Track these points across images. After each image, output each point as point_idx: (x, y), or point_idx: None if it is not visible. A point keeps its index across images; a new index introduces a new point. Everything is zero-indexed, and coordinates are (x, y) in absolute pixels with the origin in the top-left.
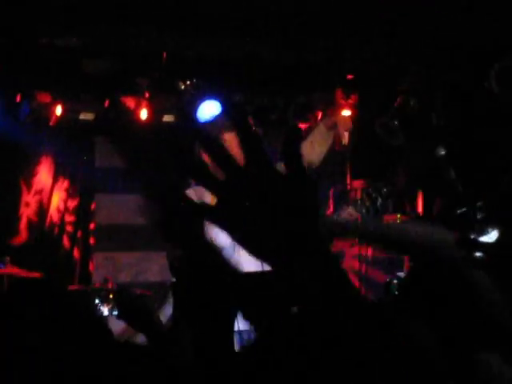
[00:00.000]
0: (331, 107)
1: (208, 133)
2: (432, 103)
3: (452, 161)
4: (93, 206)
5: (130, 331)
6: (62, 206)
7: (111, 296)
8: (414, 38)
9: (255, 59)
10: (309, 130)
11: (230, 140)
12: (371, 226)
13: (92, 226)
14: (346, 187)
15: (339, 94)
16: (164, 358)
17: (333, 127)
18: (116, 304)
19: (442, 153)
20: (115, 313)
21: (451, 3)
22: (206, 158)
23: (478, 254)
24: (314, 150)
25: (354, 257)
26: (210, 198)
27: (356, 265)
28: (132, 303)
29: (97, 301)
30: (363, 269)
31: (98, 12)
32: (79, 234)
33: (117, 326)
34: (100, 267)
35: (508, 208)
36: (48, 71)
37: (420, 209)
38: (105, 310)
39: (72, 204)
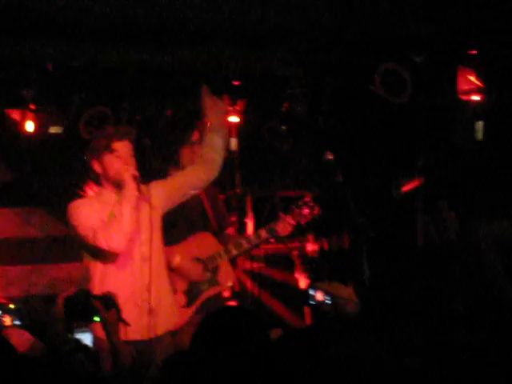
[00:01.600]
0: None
1: (98, 143)
2: (319, 107)
3: (340, 165)
4: None
5: (35, 342)
6: None
7: (12, 306)
8: (300, 43)
9: (142, 67)
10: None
11: (120, 148)
12: None
13: None
14: (236, 193)
15: (226, 100)
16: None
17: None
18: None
19: (330, 157)
20: (17, 323)
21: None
22: (96, 165)
23: None
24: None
25: (245, 258)
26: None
27: (247, 265)
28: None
29: None
30: (255, 268)
31: None
32: None
33: (20, 337)
34: None
35: None
36: None
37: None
38: (7, 321)
39: None
